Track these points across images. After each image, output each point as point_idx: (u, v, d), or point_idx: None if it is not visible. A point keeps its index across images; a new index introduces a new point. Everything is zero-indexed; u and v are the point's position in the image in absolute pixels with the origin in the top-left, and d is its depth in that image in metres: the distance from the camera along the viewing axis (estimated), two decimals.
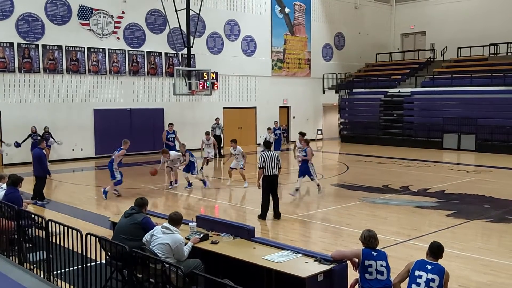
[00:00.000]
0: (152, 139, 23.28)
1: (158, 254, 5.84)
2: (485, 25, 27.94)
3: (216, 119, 22.95)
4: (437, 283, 4.82)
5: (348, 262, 5.58)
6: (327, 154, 25.15)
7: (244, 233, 6.63)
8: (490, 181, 15.71)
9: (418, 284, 4.86)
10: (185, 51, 23.03)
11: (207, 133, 18.47)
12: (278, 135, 20.70)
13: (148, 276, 5.78)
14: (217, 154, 21.66)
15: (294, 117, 29.29)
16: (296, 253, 5.93)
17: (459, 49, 28.55)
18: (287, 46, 28.75)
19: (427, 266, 4.95)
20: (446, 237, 9.52)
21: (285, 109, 29.03)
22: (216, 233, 6.80)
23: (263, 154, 10.68)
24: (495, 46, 26.76)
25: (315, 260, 5.66)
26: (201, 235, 6.54)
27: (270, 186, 10.66)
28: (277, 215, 10.72)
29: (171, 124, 19.53)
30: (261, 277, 5.74)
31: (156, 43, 23.44)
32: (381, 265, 5.22)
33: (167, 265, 5.41)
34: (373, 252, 5.29)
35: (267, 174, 10.60)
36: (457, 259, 7.97)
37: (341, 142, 28.73)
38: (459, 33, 29.07)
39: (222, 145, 22.73)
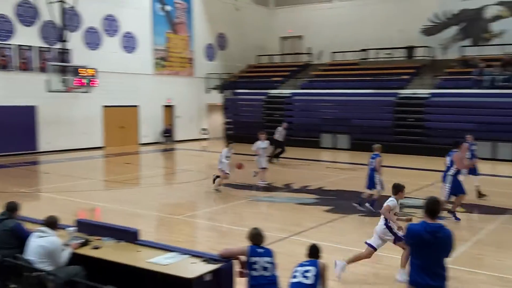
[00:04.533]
0: (22, 138, 21.57)
1: (34, 260, 5.39)
2: (357, 31, 29.84)
3: (283, 124, 21.16)
4: (313, 273, 5.17)
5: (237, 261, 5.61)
6: (213, 154, 25.18)
7: (128, 236, 6.37)
8: (363, 178, 16.75)
9: (295, 277, 5.22)
10: (60, 45, 21.67)
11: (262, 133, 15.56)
12: (472, 153, 13.19)
13: (23, 286, 5.32)
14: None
15: (178, 117, 28.97)
16: (183, 254, 5.82)
17: (333, 54, 30.26)
18: (169, 44, 28.33)
19: (304, 263, 5.36)
20: (326, 231, 10.03)
21: (169, 108, 28.59)
22: (98, 238, 6.44)
23: None
24: (366, 52, 28.78)
25: (203, 260, 5.60)
26: (82, 240, 6.16)
27: None
28: None
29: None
30: (148, 281, 5.55)
31: (27, 36, 21.70)
32: (267, 262, 5.34)
33: (43, 273, 5.01)
34: (259, 249, 5.39)
35: None
36: (336, 252, 8.37)
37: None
38: (333, 38, 30.70)
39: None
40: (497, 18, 26.73)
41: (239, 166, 13.96)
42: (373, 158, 11.79)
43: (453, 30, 28.04)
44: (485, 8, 26.98)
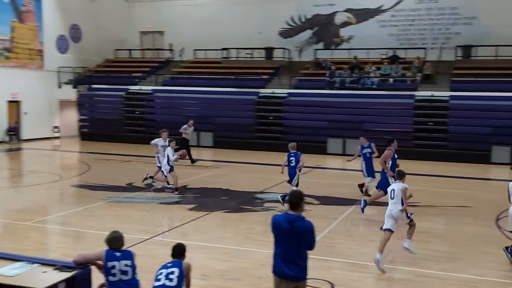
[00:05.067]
0: None
1: None
2: (218, 30, 30.01)
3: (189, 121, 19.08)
4: (177, 274, 5.04)
5: (94, 267, 5.23)
6: (66, 153, 23.64)
7: None
8: (226, 174, 16.98)
9: (159, 280, 5.04)
10: None
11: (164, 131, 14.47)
12: (368, 155, 13.20)
13: None
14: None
15: (26, 113, 26.50)
16: (32, 264, 5.29)
17: (195, 51, 30.19)
18: (15, 34, 25.80)
19: (168, 264, 5.19)
20: (189, 230, 9.88)
21: (14, 104, 26.02)
22: None
23: None
24: (227, 51, 29.19)
25: (55, 269, 5.14)
26: None
27: None
28: None
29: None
30: None
31: None
32: (126, 265, 5.12)
33: None
34: (116, 253, 5.16)
35: None
36: (200, 250, 8.27)
37: (81, 140, 27.33)
38: (195, 35, 30.58)
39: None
40: (345, 24, 28.90)
41: (182, 155, 13.75)
42: (294, 156, 11.88)
43: (307, 33, 29.69)
44: (336, 14, 29.02)
